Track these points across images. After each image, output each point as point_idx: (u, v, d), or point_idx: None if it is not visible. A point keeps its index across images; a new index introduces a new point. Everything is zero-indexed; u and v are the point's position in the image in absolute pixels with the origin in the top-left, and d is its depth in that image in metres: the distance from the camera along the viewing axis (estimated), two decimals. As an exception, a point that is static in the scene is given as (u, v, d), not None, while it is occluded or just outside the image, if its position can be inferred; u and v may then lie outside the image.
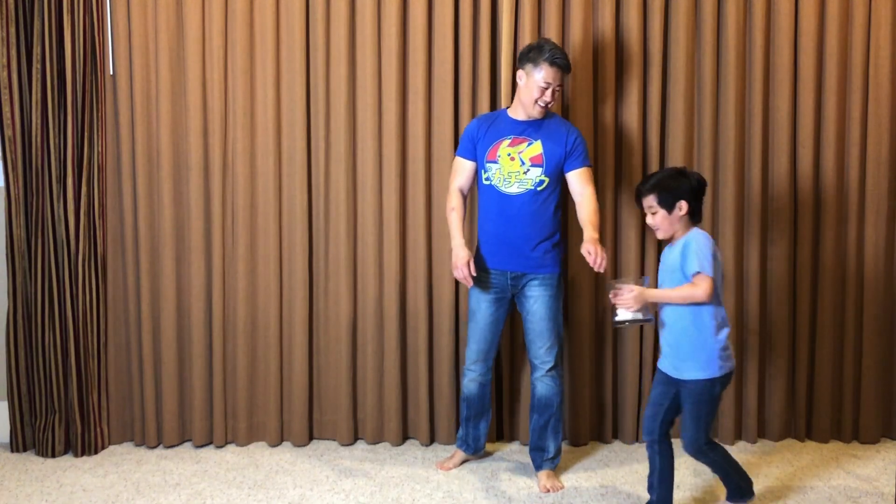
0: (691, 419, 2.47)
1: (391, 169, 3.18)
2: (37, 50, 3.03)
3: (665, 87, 3.23)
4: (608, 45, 3.16)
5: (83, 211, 3.09)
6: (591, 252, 2.62)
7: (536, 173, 2.79)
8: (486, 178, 2.84)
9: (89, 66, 3.07)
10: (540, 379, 2.88)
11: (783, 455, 3.18)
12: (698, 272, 2.39)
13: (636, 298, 2.45)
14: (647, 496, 2.79)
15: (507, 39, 3.14)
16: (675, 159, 3.22)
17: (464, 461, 3.08)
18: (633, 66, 3.17)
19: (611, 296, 2.51)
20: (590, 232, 2.72)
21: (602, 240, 3.23)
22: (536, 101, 2.77)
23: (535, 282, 2.83)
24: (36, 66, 3.04)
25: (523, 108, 2.83)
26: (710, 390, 2.45)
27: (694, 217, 2.51)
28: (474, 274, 2.78)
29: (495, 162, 2.81)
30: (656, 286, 2.58)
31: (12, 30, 3.03)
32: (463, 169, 2.91)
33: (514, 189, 2.79)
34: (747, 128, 3.25)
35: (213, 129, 3.18)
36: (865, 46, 3.23)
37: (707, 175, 3.24)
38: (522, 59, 2.81)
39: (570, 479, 2.96)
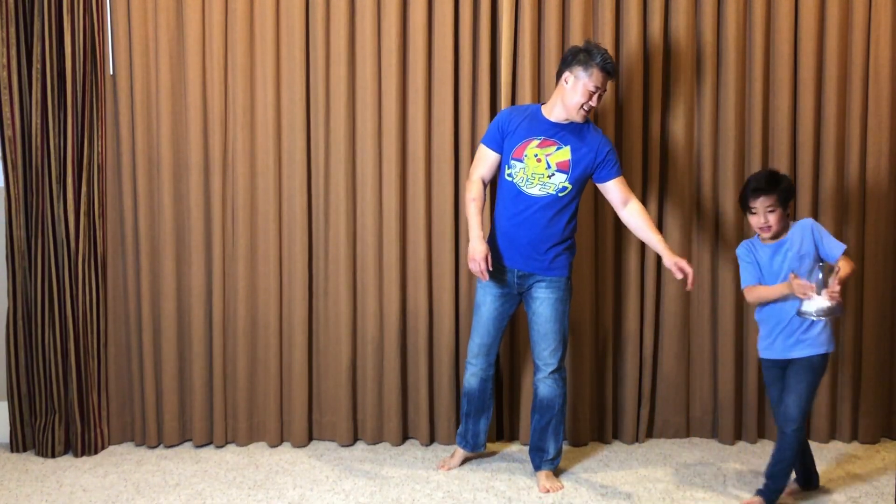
0: (796, 392, 2.55)
1: (391, 169, 3.18)
2: (37, 50, 3.03)
3: (665, 86, 3.23)
4: (608, 45, 3.15)
5: (83, 211, 3.09)
6: (686, 271, 2.70)
7: (561, 179, 2.75)
8: (509, 175, 2.80)
9: (89, 66, 3.07)
10: (542, 380, 2.87)
11: (783, 455, 3.17)
12: (844, 248, 2.55)
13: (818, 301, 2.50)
14: (646, 496, 2.79)
15: (507, 39, 3.14)
16: (676, 159, 3.22)
17: (465, 460, 3.08)
18: (634, 66, 3.17)
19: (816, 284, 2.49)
20: (664, 246, 2.78)
21: (605, 241, 3.24)
22: (581, 106, 2.71)
23: (543, 284, 2.81)
24: (36, 66, 3.04)
25: (565, 110, 2.75)
26: (822, 364, 2.58)
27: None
28: (491, 269, 2.76)
29: (521, 160, 2.77)
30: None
31: (12, 30, 3.03)
32: (487, 159, 2.86)
33: (535, 191, 2.76)
34: (747, 128, 3.25)
35: (213, 129, 3.18)
36: (865, 46, 3.23)
37: (706, 175, 3.25)
38: (570, 61, 2.72)
39: (570, 479, 2.96)
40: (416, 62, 3.15)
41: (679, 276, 2.71)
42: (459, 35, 3.16)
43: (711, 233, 3.27)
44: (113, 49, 3.13)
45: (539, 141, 2.76)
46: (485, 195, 2.88)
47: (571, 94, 2.72)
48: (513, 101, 3.18)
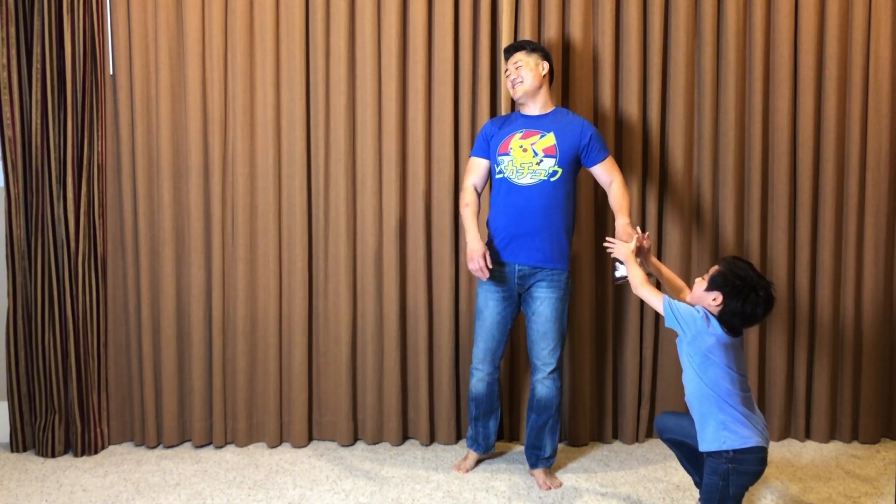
0: (704, 489, 2.27)
1: (391, 169, 3.18)
2: (37, 50, 3.04)
3: (665, 87, 3.24)
4: (608, 44, 3.16)
5: (83, 211, 3.09)
6: (632, 234, 2.55)
7: (550, 163, 2.78)
8: (499, 172, 2.84)
9: (89, 66, 3.07)
10: (541, 381, 2.87)
11: (783, 455, 3.18)
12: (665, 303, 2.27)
13: (619, 246, 2.46)
14: (647, 496, 2.79)
15: (507, 39, 3.14)
16: (675, 159, 3.22)
17: (478, 461, 3.08)
18: (633, 66, 3.17)
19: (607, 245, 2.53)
20: (619, 218, 2.71)
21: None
22: (510, 86, 2.89)
23: (544, 283, 2.82)
24: (36, 66, 3.04)
25: (515, 98, 2.89)
26: (715, 463, 2.23)
27: (722, 318, 2.21)
28: (490, 266, 2.77)
29: (507, 154, 2.82)
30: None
31: (12, 30, 3.03)
32: (477, 167, 2.92)
33: (527, 180, 2.78)
34: (747, 128, 3.25)
35: (213, 129, 3.18)
36: (865, 46, 3.23)
37: (707, 175, 3.24)
38: None
39: (569, 479, 2.96)
40: (416, 62, 3.15)
41: (630, 238, 2.56)
42: (459, 35, 3.17)
43: (711, 233, 3.27)
44: (113, 49, 3.13)
45: (521, 133, 2.84)
46: (478, 202, 2.91)
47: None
48: (512, 101, 3.18)
